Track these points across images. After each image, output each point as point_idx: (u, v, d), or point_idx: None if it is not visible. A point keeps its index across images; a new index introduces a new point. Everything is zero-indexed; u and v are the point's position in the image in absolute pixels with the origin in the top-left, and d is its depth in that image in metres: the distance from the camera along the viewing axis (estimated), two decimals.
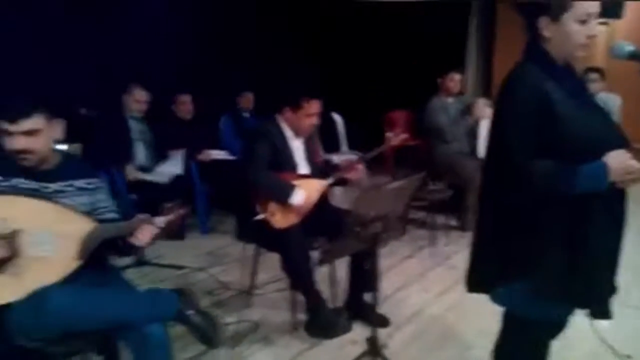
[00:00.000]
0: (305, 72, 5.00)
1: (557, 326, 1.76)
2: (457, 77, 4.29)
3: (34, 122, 1.80)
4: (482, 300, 2.90)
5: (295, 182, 2.65)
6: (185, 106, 4.40)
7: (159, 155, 4.09)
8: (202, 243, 4.06)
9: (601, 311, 1.56)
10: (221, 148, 4.60)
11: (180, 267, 3.52)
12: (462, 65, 4.83)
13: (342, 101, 5.15)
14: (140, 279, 3.29)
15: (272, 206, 2.60)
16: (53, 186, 1.89)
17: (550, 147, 1.51)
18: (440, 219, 4.24)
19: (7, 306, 1.70)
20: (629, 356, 2.44)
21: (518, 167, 1.52)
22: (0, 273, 1.73)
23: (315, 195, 2.69)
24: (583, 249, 1.52)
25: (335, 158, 4.89)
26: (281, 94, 2.86)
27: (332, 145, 5.01)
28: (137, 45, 4.59)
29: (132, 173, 3.86)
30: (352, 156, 5.76)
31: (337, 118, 5.35)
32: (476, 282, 1.77)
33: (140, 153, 4.03)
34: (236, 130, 4.80)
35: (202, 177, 4.28)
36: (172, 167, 3.99)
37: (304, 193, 2.61)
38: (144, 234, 1.86)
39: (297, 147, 2.83)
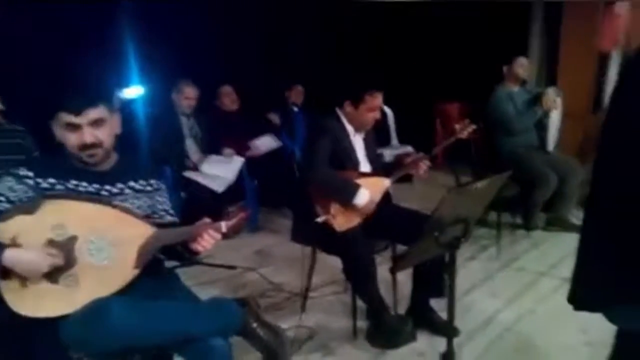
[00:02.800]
0: (366, 64, 4.79)
1: None
2: (525, 62, 3.97)
3: (100, 111, 1.70)
4: (557, 309, 2.64)
5: (358, 181, 2.46)
6: (229, 97, 4.29)
7: (209, 150, 3.98)
8: (251, 241, 3.91)
9: None
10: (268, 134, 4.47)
11: (231, 267, 3.39)
12: (525, 52, 4.51)
13: (391, 93, 4.91)
14: (189, 280, 3.17)
15: (334, 207, 2.42)
16: (111, 188, 1.77)
17: None
18: (504, 217, 3.97)
19: (63, 318, 1.58)
20: None
21: None
22: (55, 283, 1.61)
23: (378, 195, 2.51)
24: None
25: (387, 152, 4.69)
26: (342, 87, 2.67)
27: (382, 139, 4.79)
28: (184, 39, 4.49)
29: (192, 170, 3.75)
30: (403, 150, 5.60)
31: (387, 111, 5.14)
32: (587, 298, 1.54)
33: (192, 149, 3.93)
34: (285, 124, 4.65)
35: (250, 172, 4.15)
36: (228, 173, 3.84)
37: (368, 193, 2.42)
38: (207, 239, 1.71)
39: (358, 143, 2.65)
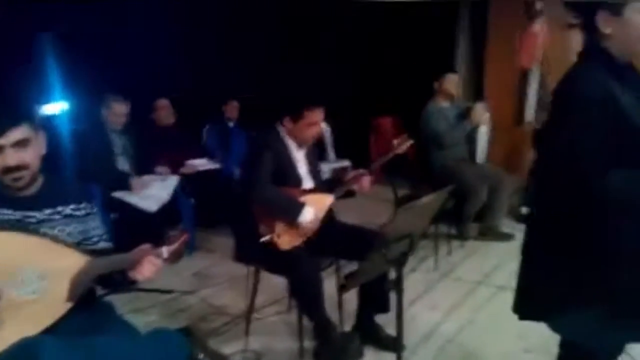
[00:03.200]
0: (305, 78, 4.78)
1: (618, 353, 1.60)
2: (455, 78, 4.13)
3: (23, 130, 1.56)
4: (495, 317, 2.73)
5: (302, 198, 2.42)
6: (164, 111, 4.12)
7: (142, 168, 3.78)
8: (188, 263, 3.75)
9: None
10: (202, 156, 4.34)
11: (168, 292, 3.23)
12: (452, 68, 4.70)
13: (326, 108, 4.94)
14: (123, 306, 2.98)
15: (279, 226, 2.37)
16: (38, 215, 1.62)
17: (620, 152, 1.36)
18: (440, 228, 4.07)
19: None
20: None
21: (592, 179, 1.35)
22: None
23: (322, 212, 2.48)
24: None
25: (324, 167, 4.69)
26: (281, 103, 2.63)
27: (319, 154, 4.79)
28: (114, 51, 4.29)
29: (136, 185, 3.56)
30: (341, 164, 5.64)
31: (323, 125, 5.14)
32: (531, 309, 1.59)
33: (123, 168, 3.72)
34: (221, 140, 4.53)
35: (185, 191, 4.00)
36: (162, 192, 3.66)
37: (313, 210, 2.39)
38: (148, 267, 1.60)
39: (300, 159, 2.62)
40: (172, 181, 3.78)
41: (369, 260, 1.82)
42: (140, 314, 2.80)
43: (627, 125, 1.37)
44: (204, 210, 4.10)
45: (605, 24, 1.43)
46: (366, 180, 2.60)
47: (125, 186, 3.54)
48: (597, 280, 1.41)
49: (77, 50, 4.13)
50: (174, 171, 3.95)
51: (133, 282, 1.68)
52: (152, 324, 2.75)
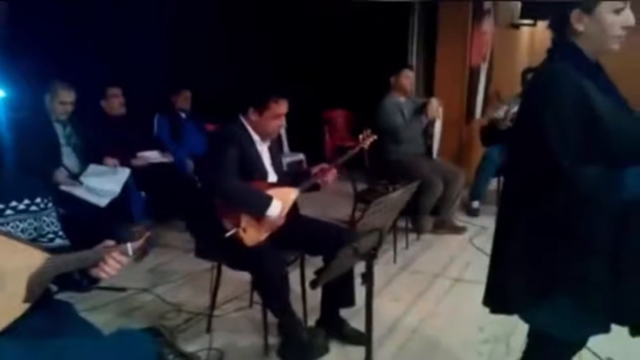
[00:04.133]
0: (256, 71, 4.67)
1: (584, 343, 1.66)
2: (411, 73, 4.17)
3: None
4: (454, 308, 2.79)
5: (269, 192, 2.37)
6: (116, 100, 3.91)
7: (90, 160, 3.58)
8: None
9: None
10: (155, 149, 4.16)
11: (121, 289, 3.08)
12: (404, 64, 4.76)
13: None
14: (74, 305, 2.83)
15: (245, 220, 2.30)
16: None
17: (591, 149, 1.40)
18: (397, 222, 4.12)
19: None
20: (609, 358, 2.43)
21: (563, 174, 1.38)
22: None
23: (288, 206, 2.43)
24: (630, 261, 1.42)
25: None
26: (245, 93, 2.56)
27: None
28: (59, 37, 4.04)
29: (64, 181, 3.33)
30: (296, 158, 5.59)
31: None
32: (503, 302, 1.62)
33: (69, 160, 3.51)
34: (172, 131, 4.37)
35: (137, 184, 3.83)
36: (112, 185, 3.47)
37: (281, 204, 2.34)
38: (112, 264, 1.50)
39: (265, 152, 2.56)
40: (124, 174, 3.60)
41: (341, 254, 1.80)
42: (94, 313, 2.65)
43: (597, 121, 1.40)
44: (156, 205, 3.95)
45: (577, 22, 1.47)
46: (332, 174, 2.58)
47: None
48: (566, 272, 1.45)
49: (18, 34, 3.85)
50: (124, 163, 3.77)
51: (95, 281, 1.58)
52: (108, 323, 2.61)
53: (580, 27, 1.47)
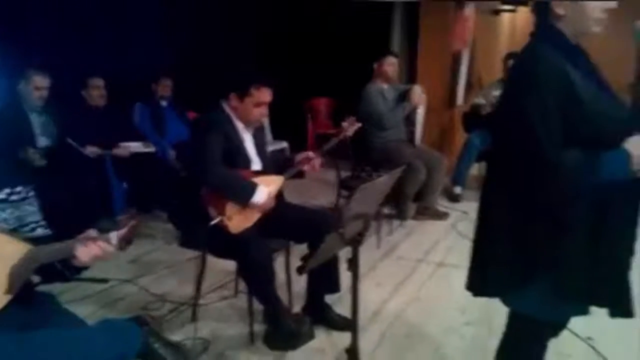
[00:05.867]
0: (251, 58, 4.59)
1: (564, 325, 1.70)
2: (394, 60, 4.17)
3: None
4: (437, 293, 2.83)
5: (254, 180, 2.36)
6: (97, 91, 3.84)
7: (67, 148, 3.51)
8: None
9: (624, 310, 1.50)
10: (136, 139, 4.10)
11: (103, 281, 3.05)
12: (388, 52, 4.75)
13: None
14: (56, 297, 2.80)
15: (230, 208, 2.29)
16: None
17: (570, 131, 1.41)
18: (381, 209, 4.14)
19: None
20: (589, 338, 2.49)
21: (545, 158, 1.40)
22: None
23: (274, 193, 2.43)
24: (608, 245, 1.45)
25: None
26: (226, 78, 2.53)
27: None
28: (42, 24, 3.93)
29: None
30: (279, 146, 5.56)
31: None
32: (486, 285, 1.64)
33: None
34: (154, 120, 4.31)
35: (118, 174, 3.78)
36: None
37: (267, 190, 2.33)
38: (96, 254, 1.48)
39: (248, 139, 2.54)
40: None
41: (328, 240, 1.80)
42: (77, 305, 2.62)
43: (577, 103, 1.42)
44: (138, 195, 3.90)
45: (558, 5, 1.48)
46: (317, 162, 2.57)
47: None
48: (546, 256, 1.47)
49: None
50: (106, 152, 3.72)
51: (78, 271, 1.56)
52: (92, 315, 2.59)
53: (560, 11, 1.48)
